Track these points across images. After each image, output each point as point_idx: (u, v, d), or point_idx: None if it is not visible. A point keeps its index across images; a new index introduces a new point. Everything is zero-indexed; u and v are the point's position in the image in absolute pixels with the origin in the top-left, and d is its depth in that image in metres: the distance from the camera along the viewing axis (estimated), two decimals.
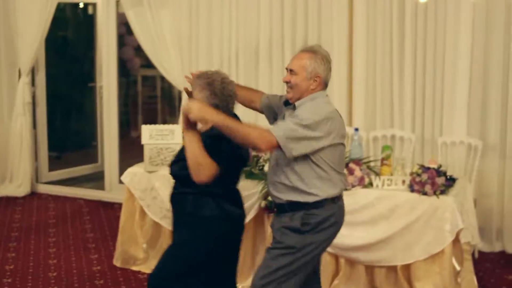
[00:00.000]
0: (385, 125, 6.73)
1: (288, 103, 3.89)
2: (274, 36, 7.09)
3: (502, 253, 6.44)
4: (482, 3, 6.29)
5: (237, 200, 4.00)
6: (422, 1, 6.43)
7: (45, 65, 9.01)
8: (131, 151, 8.69)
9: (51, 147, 9.34)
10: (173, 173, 3.96)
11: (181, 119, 3.74)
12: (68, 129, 10.44)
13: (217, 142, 3.67)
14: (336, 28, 6.81)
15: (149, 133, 5.85)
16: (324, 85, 3.82)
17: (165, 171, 4.67)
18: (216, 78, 3.77)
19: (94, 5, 9.60)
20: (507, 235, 6.45)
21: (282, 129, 3.59)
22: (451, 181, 5.07)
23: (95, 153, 9.79)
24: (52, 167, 9.35)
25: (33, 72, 8.80)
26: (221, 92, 3.75)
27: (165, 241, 5.68)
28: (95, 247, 6.63)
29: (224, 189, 3.85)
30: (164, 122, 11.13)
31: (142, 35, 7.68)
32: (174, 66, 7.55)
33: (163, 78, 9.37)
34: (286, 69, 3.85)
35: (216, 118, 3.52)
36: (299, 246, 3.76)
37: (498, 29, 6.30)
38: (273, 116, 4.13)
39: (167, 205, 4.36)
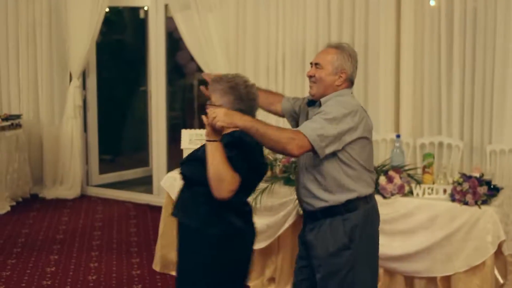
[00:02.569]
0: (433, 132, 6.53)
1: (312, 103, 3.75)
2: (320, 40, 6.96)
3: None
4: None
5: (247, 215, 3.67)
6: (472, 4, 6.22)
7: (97, 69, 9.09)
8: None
9: (105, 150, 9.44)
10: (184, 173, 3.63)
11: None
12: (121, 132, 10.51)
13: (237, 152, 3.39)
14: (383, 31, 6.63)
15: (188, 138, 5.81)
16: (350, 82, 3.70)
17: None
18: (239, 81, 3.54)
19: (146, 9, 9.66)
20: None
21: (311, 129, 3.41)
22: (494, 190, 4.88)
23: (147, 157, 9.82)
24: (104, 170, 9.45)
25: (84, 75, 8.89)
26: (246, 96, 3.52)
27: None
28: (138, 251, 6.63)
29: (236, 203, 3.52)
30: None
31: (189, 39, 7.66)
32: (222, 69, 7.47)
33: None
34: (311, 63, 3.72)
35: (245, 122, 3.28)
36: (350, 264, 3.62)
37: None
38: (294, 119, 4.00)
39: None
